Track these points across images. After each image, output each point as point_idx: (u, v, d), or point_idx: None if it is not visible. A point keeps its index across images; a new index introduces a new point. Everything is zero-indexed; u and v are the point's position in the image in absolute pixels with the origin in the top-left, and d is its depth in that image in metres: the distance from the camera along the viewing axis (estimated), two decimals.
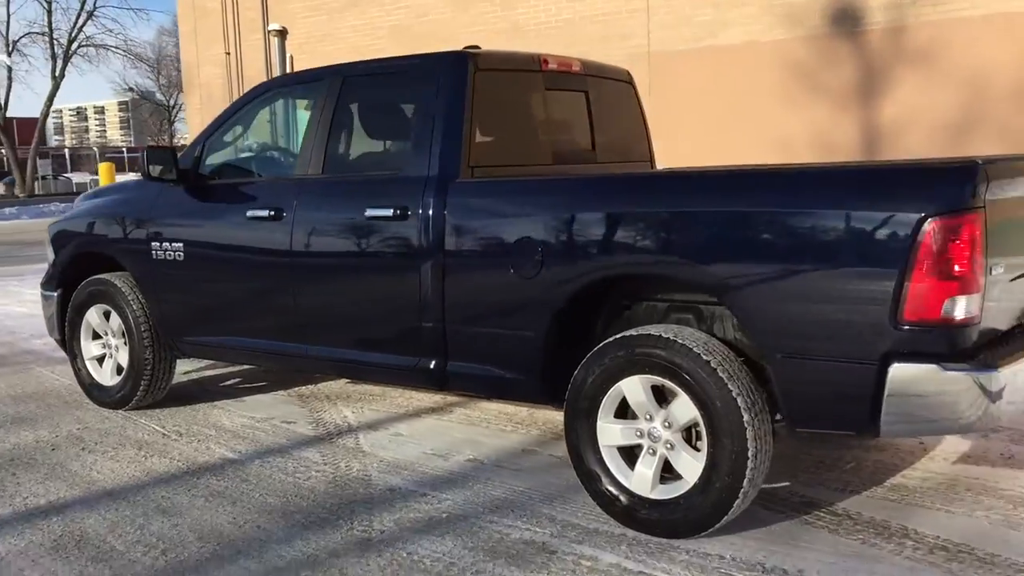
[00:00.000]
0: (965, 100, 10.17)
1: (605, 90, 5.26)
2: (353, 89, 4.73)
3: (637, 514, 3.71)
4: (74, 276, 6.04)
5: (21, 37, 58.74)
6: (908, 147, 10.34)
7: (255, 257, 4.96)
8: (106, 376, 5.93)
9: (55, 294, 6.17)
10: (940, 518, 3.81)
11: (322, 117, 4.75)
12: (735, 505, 3.50)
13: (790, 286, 3.34)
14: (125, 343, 5.75)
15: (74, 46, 45.99)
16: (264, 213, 4.84)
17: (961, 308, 3.08)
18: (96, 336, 5.97)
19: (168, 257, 5.39)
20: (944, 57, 10.26)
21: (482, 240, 4.11)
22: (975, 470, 4.34)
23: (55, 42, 45.47)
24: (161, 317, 5.54)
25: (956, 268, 3.05)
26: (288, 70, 17.30)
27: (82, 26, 46.24)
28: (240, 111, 5.28)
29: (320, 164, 4.74)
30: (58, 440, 5.27)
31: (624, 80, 5.47)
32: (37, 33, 48.11)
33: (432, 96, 4.35)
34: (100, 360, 5.97)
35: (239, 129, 5.31)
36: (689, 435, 3.64)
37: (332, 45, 16.27)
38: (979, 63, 10.06)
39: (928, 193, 3.08)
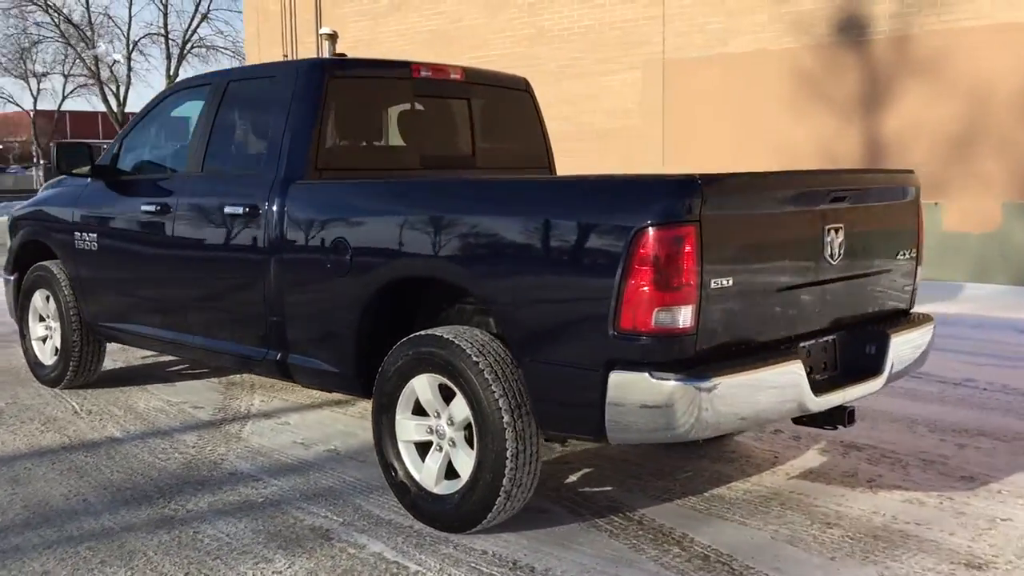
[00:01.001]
0: (969, 111, 9.85)
1: (494, 98, 5.37)
2: (233, 93, 4.98)
3: (422, 507, 3.84)
4: (26, 262, 6.47)
5: (141, 38, 61.78)
6: (911, 158, 10.07)
7: (148, 249, 5.26)
8: (46, 356, 6.34)
9: (11, 278, 6.62)
10: (727, 529, 3.82)
11: (206, 118, 5.02)
12: (498, 503, 3.59)
13: (528, 293, 3.44)
14: (59, 326, 6.14)
15: (188, 46, 48.13)
16: (153, 208, 5.14)
17: (673, 318, 3.11)
18: (42, 319, 6.39)
19: (85, 247, 5.75)
20: (949, 67, 9.96)
21: (310, 239, 4.29)
22: (806, 486, 4.31)
23: (171, 42, 47.73)
24: (83, 303, 5.90)
25: (668, 279, 3.08)
26: None
27: (196, 27, 48.41)
28: (152, 111, 5.60)
29: (200, 162, 5.01)
30: None
31: (520, 88, 5.56)
32: (155, 34, 50.59)
33: (288, 101, 4.56)
34: (44, 340, 6.39)
35: (152, 127, 5.62)
36: (470, 434, 3.75)
37: (377, 49, 16.67)
38: (984, 74, 9.73)
39: (643, 205, 3.13)
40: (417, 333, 3.84)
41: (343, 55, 5.27)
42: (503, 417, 3.51)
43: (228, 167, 4.97)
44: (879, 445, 4.89)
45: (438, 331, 3.76)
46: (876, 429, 5.20)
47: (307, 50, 18.60)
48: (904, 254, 4.10)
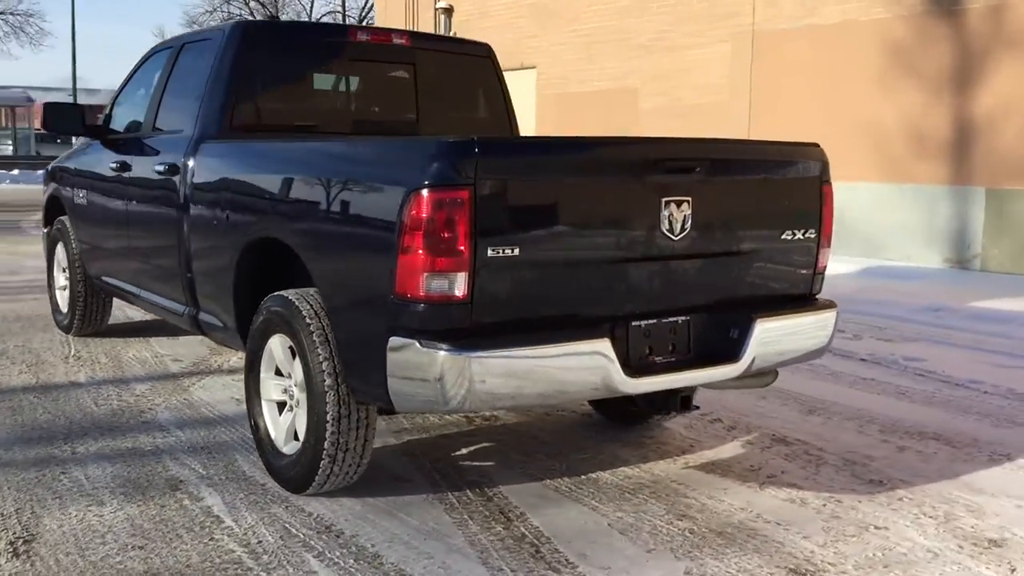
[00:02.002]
0: None
1: (447, 64, 5.29)
2: (183, 55, 5.13)
3: (273, 465, 3.88)
4: (53, 215, 6.92)
5: (323, 15, 64.48)
6: (1001, 139, 9.24)
7: (112, 205, 5.52)
8: (64, 304, 6.78)
9: (45, 231, 7.11)
10: (571, 513, 3.66)
11: (160, 79, 5.21)
12: (322, 467, 3.57)
13: (332, 256, 3.40)
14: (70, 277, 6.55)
15: (363, 23, 49.89)
16: (115, 166, 5.39)
17: (446, 286, 2.99)
18: (64, 270, 6.83)
19: (79, 202, 6.09)
20: None
21: (206, 197, 4.38)
22: (696, 476, 4.08)
23: (347, 19, 49.57)
24: (84, 257, 6.26)
25: (440, 245, 2.96)
26: None
27: (371, 6, 50.09)
28: (136, 72, 5.84)
29: (151, 122, 5.20)
30: None
31: (481, 55, 5.46)
32: (335, 11, 52.75)
33: (212, 62, 4.66)
34: (64, 290, 6.83)
35: (134, 88, 5.86)
36: None
37: (486, 22, 16.75)
38: None
39: (418, 168, 3.01)
40: (273, 294, 3.86)
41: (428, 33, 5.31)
42: (325, 380, 3.49)
43: (166, 127, 5.13)
44: (811, 441, 4.56)
45: (287, 293, 3.77)
46: (824, 425, 4.84)
47: (426, 24, 18.88)
48: (795, 234, 3.77)
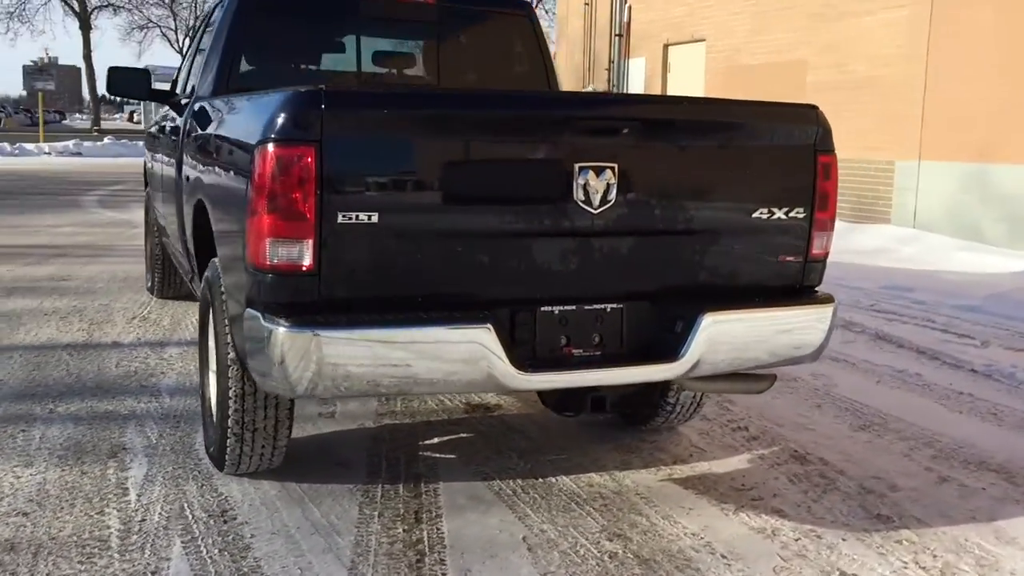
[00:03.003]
0: None
1: (478, 22, 4.91)
2: (215, 13, 5.04)
3: (206, 438, 3.71)
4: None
5: None
6: None
7: (156, 168, 5.56)
8: (148, 267, 7.01)
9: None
10: (492, 520, 3.26)
11: (198, 43, 5.16)
12: (230, 446, 3.35)
13: (221, 219, 3.12)
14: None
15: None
16: (157, 129, 5.42)
17: (290, 254, 2.65)
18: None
19: (148, 167, 6.21)
20: None
21: (186, 156, 4.25)
22: (672, 491, 3.55)
23: None
24: (156, 221, 6.40)
25: (282, 208, 2.62)
26: (625, 20, 17.45)
27: None
28: (197, 36, 5.85)
29: (185, 85, 5.17)
30: (86, 296, 6.43)
31: (518, 13, 5.02)
32: None
33: (221, 20, 4.54)
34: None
35: (192, 49, 5.87)
36: None
37: None
38: None
39: (265, 122, 2.67)
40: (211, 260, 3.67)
41: None
42: (229, 354, 3.26)
43: (190, 89, 5.06)
44: (835, 462, 3.87)
45: (215, 260, 3.57)
46: (868, 444, 4.11)
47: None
48: (774, 213, 3.13)
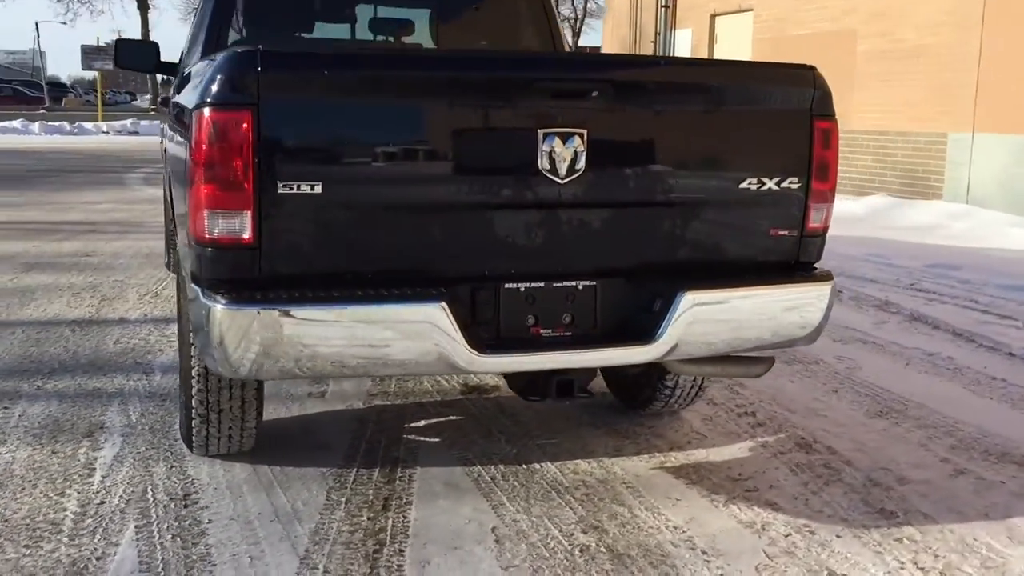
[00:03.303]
0: None
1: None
2: None
3: (180, 417, 3.60)
4: None
5: None
6: None
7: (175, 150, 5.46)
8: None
9: None
10: (464, 509, 3.09)
11: (199, 16, 5.03)
12: (196, 428, 3.23)
13: (173, 193, 2.97)
14: None
15: None
16: (163, 100, 5.31)
17: (229, 226, 2.48)
18: None
19: (161, 143, 6.13)
20: None
21: (165, 130, 4.14)
22: (661, 480, 3.35)
23: None
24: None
25: (219, 175, 2.46)
26: None
27: None
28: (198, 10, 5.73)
29: (184, 57, 5.05)
30: (105, 271, 6.40)
31: None
32: None
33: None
34: None
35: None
36: None
37: None
38: None
39: (203, 85, 2.50)
40: None
41: None
42: (189, 337, 3.13)
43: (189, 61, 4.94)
44: (842, 451, 3.63)
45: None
46: (883, 433, 3.85)
47: None
48: (764, 183, 2.88)
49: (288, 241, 2.53)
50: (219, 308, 2.49)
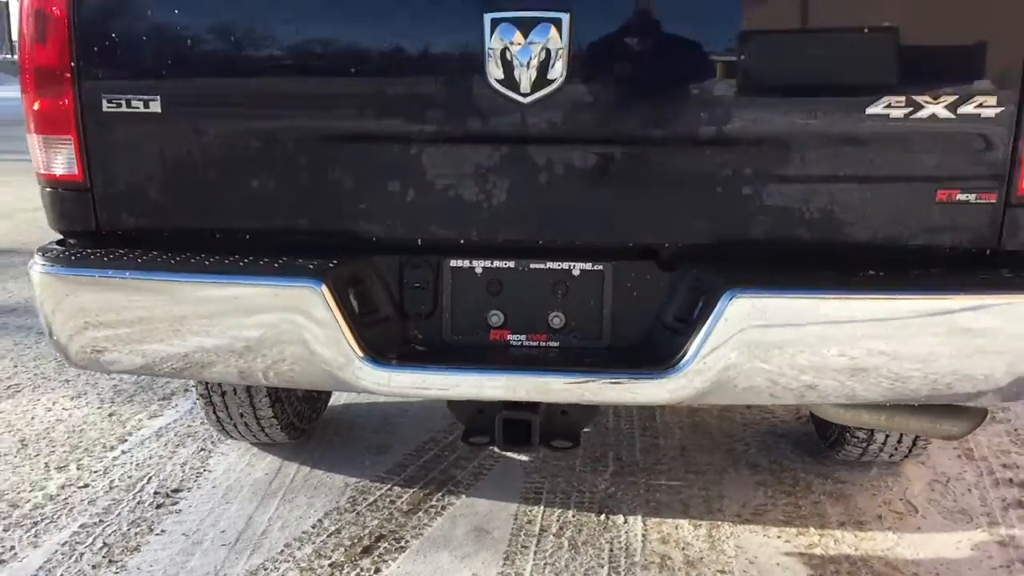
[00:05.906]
0: None
1: None
2: None
3: None
4: None
5: None
6: None
7: None
8: None
9: None
10: (457, 521, 2.20)
11: None
12: (203, 408, 2.68)
13: None
14: None
15: None
16: None
17: (57, 159, 1.82)
18: None
19: None
20: None
21: None
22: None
23: None
24: None
25: (38, 89, 1.80)
26: None
27: None
28: None
29: None
30: None
31: None
32: None
33: None
34: None
35: None
36: None
37: None
38: None
39: None
40: None
41: None
42: None
43: None
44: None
45: None
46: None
47: None
48: (921, 107, 1.58)
49: (125, 182, 1.81)
50: (36, 271, 1.84)
